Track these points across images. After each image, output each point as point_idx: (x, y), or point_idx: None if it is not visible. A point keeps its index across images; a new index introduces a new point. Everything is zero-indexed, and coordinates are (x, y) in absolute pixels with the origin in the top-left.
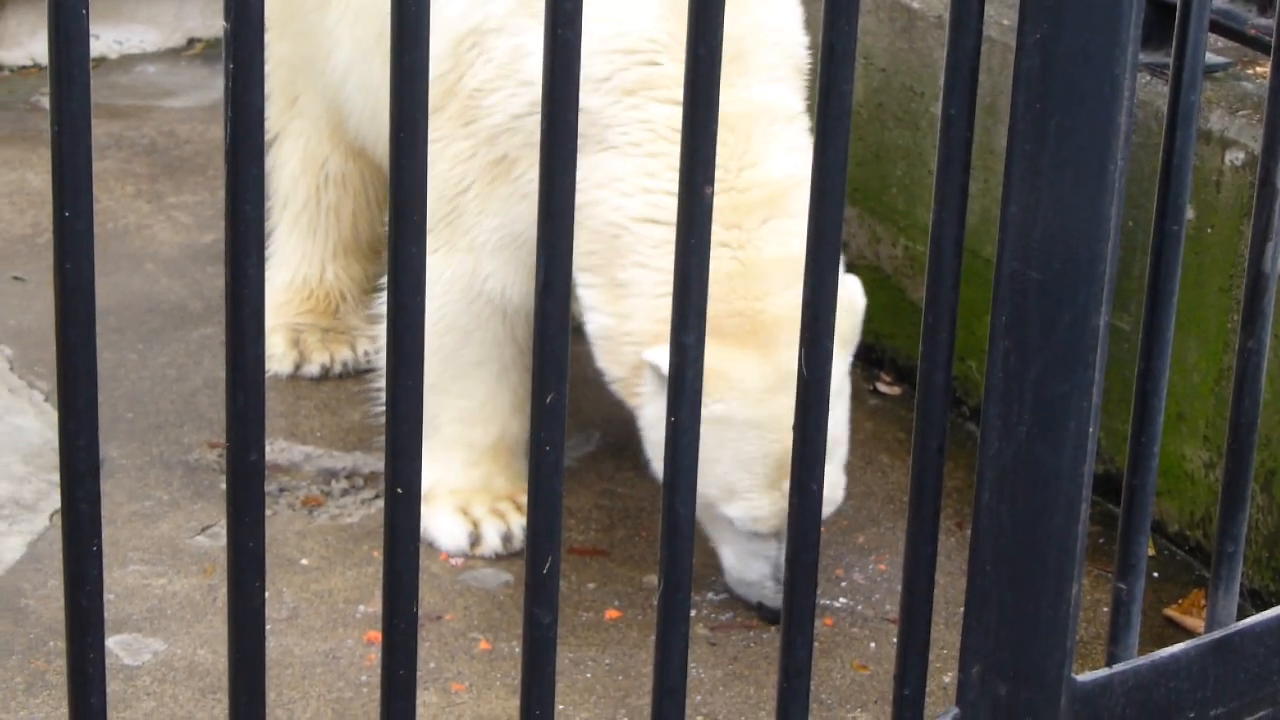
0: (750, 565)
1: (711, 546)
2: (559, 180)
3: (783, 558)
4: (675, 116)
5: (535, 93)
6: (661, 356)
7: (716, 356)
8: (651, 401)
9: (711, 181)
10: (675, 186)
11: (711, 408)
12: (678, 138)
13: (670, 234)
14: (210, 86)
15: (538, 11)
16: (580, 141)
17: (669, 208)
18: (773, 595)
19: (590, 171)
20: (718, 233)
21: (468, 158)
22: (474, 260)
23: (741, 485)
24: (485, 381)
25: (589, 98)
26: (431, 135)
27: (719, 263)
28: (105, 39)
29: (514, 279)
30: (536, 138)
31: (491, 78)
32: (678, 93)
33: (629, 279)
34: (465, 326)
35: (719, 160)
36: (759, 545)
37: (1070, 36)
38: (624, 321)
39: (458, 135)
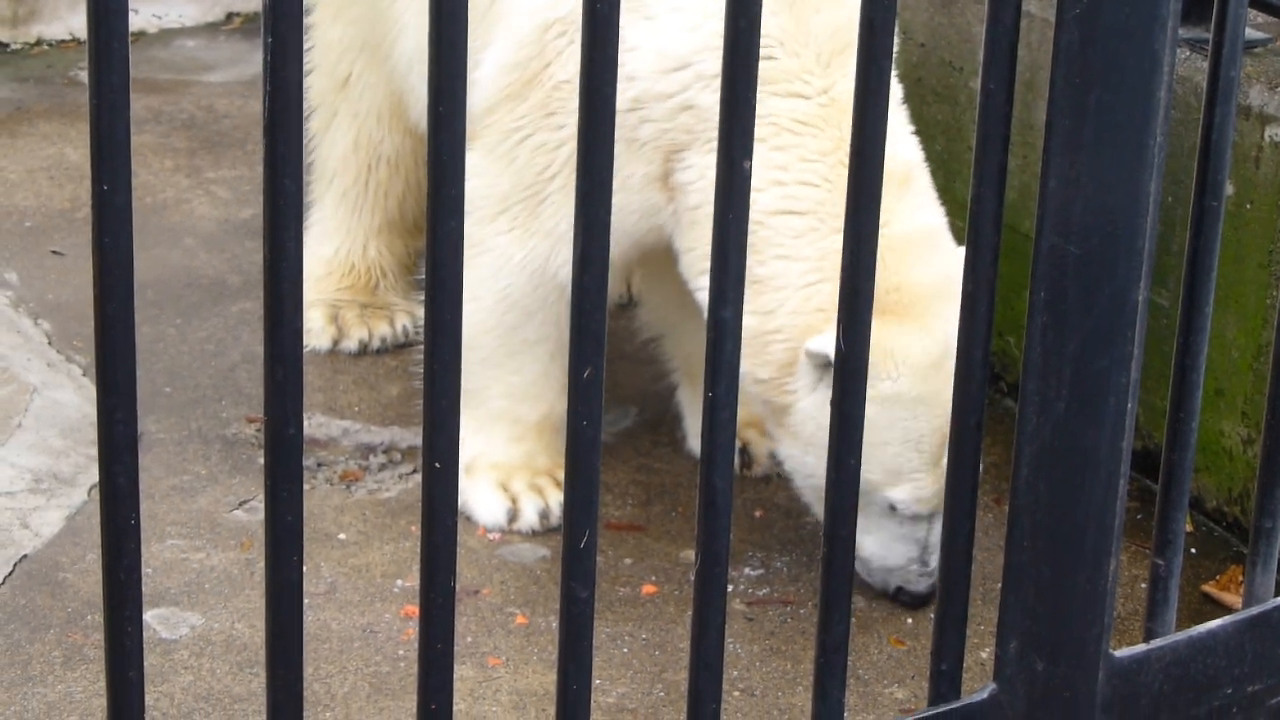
0: (896, 550)
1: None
2: (597, 154)
3: (934, 538)
4: (798, 109)
5: (639, 88)
6: (827, 344)
7: (881, 334)
8: (809, 394)
9: (750, 156)
10: (809, 177)
11: (880, 387)
12: (804, 129)
13: (811, 223)
14: (249, 61)
15: (638, 5)
16: (688, 139)
17: (806, 198)
18: (916, 578)
19: (707, 170)
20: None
21: (553, 148)
22: (550, 246)
23: (909, 465)
24: (539, 360)
25: (702, 94)
26: (511, 124)
27: None
28: (144, 13)
29: None
30: (637, 134)
31: None
32: (797, 86)
33: (770, 273)
34: (529, 307)
35: (850, 147)
36: (911, 528)
37: (1110, 11)
38: (769, 318)
39: (541, 126)
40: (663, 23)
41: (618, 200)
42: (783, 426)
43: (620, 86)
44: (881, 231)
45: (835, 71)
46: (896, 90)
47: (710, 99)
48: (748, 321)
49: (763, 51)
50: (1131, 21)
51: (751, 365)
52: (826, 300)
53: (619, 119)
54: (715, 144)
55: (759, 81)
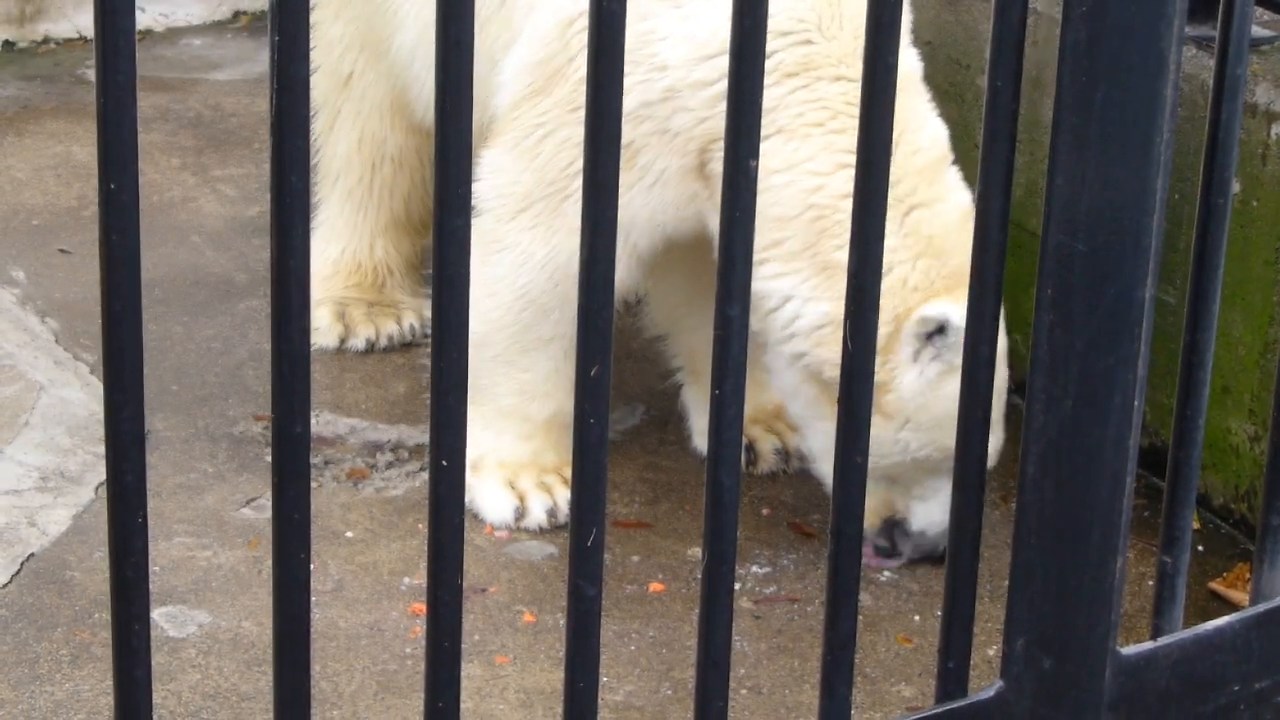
0: None
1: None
2: (603, 150)
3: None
4: (848, 92)
5: (672, 78)
6: (942, 310)
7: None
8: (910, 367)
9: (756, 155)
10: None
11: None
12: (858, 111)
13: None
14: (255, 59)
15: None
16: None
17: None
18: None
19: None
20: (918, 197)
21: (578, 144)
22: (574, 243)
23: (993, 418)
24: (553, 358)
25: None
26: (535, 120)
27: (925, 226)
28: (151, 12)
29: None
30: (669, 124)
31: None
32: (842, 70)
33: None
34: (546, 304)
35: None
36: None
37: (1116, 9)
38: None
39: (566, 122)
40: (692, 9)
41: (654, 195)
42: (890, 403)
43: (652, 76)
44: (937, 210)
45: None
46: (918, 66)
47: None
48: (828, 309)
49: (800, 36)
50: (1138, 19)
51: (834, 353)
52: (920, 279)
53: (651, 110)
54: (766, 130)
55: (801, 68)
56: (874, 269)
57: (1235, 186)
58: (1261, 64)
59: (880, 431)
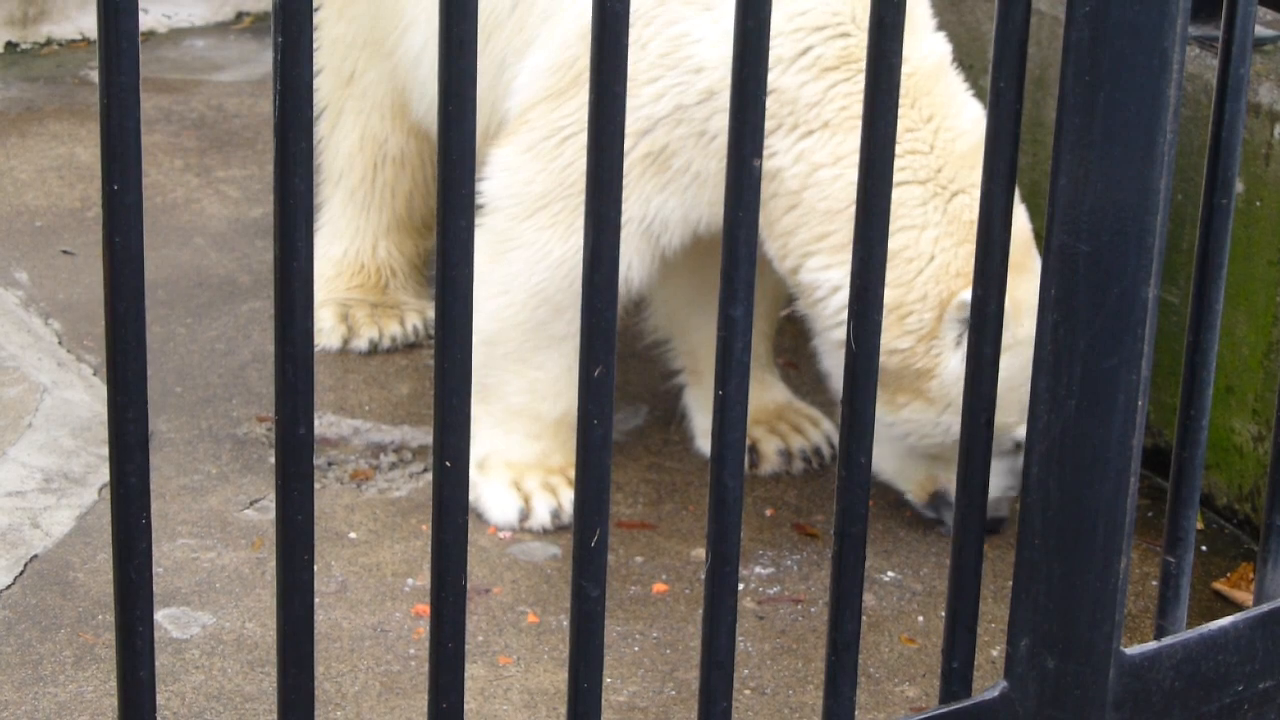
0: (1000, 483)
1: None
2: (606, 151)
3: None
4: None
5: (709, 80)
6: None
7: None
8: (954, 351)
9: (760, 154)
10: (918, 145)
11: (1014, 333)
12: (901, 100)
13: (933, 189)
14: (259, 60)
15: None
16: (772, 125)
17: (922, 166)
18: (1007, 504)
19: (805, 154)
20: (960, 183)
21: None
22: None
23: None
24: (566, 356)
25: (782, 78)
26: (557, 122)
27: (967, 212)
28: (154, 13)
29: (639, 263)
30: (706, 126)
31: (646, 68)
32: None
33: (899, 245)
34: (561, 303)
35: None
36: (1014, 460)
37: (1119, 9)
38: (909, 289)
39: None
40: (725, 10)
41: (689, 195)
42: (915, 392)
43: (688, 79)
44: (976, 196)
45: (908, 41)
46: (947, 50)
47: (791, 80)
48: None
49: (837, 30)
50: (1141, 19)
51: (887, 338)
52: (962, 264)
53: (687, 113)
54: (810, 126)
55: (841, 62)
56: (877, 268)
57: (1239, 186)
58: (1265, 64)
59: (923, 415)
